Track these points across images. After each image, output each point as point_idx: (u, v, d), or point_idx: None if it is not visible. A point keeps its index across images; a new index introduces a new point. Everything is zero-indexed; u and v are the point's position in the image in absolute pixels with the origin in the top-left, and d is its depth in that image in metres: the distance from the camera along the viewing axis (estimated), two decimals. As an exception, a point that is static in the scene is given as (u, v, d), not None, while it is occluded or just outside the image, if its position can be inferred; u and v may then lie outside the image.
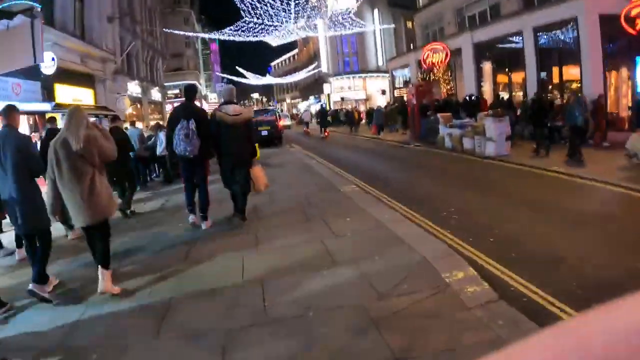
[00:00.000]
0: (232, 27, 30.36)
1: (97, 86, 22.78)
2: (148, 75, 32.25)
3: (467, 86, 23.84)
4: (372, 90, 53.55)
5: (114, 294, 4.68)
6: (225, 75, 69.08)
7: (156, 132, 13.55)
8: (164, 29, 34.75)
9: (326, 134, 28.20)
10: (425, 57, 26.77)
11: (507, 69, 22.00)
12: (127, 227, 7.72)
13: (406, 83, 35.04)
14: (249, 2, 25.38)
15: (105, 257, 4.79)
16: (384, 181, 10.76)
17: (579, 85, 16.66)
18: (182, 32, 36.05)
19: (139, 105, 29.67)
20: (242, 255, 5.59)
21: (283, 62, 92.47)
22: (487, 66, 23.32)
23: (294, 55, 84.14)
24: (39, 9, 9.84)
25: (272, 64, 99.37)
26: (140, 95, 29.02)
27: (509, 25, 20.18)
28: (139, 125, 21.63)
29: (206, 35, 43.27)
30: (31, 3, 10.04)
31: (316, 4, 33.66)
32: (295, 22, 29.59)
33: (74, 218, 4.90)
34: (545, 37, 18.36)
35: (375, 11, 52.06)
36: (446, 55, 24.95)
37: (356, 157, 16.35)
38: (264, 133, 21.16)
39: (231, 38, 34.40)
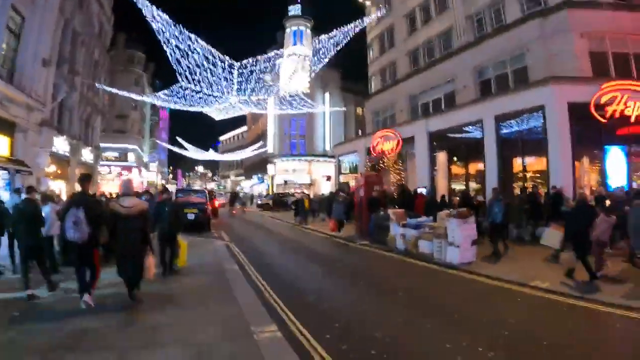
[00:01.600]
0: (166, 91, 27.91)
1: (16, 136, 19.99)
2: (81, 132, 29.49)
3: (419, 177, 23.03)
4: (317, 175, 52.72)
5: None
6: (168, 146, 66.72)
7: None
8: (103, 86, 31.85)
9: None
10: (375, 145, 26.14)
11: (464, 159, 21.44)
12: None
13: (353, 169, 34.40)
14: (186, 65, 22.82)
15: None
16: (315, 306, 7.54)
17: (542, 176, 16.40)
18: (115, 91, 32.77)
19: (68, 165, 26.63)
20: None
21: (232, 139, 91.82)
22: (441, 156, 22.73)
23: (242, 133, 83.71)
24: None
25: (221, 138, 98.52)
26: (67, 154, 26.08)
27: (468, 113, 19.84)
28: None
29: (140, 98, 39.22)
30: None
31: (265, 80, 32.79)
32: (238, 95, 27.87)
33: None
34: (507, 125, 17.89)
35: (327, 95, 52.75)
36: (398, 143, 24.38)
37: (290, 257, 13.36)
38: (190, 217, 19.07)
39: (165, 104, 32.33)
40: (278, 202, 40.55)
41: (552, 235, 10.92)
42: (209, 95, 26.88)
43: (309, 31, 50.63)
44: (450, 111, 21.66)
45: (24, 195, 8.85)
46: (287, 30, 51.64)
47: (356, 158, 32.39)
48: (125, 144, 49.03)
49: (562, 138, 15.19)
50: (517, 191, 16.61)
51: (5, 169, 18.00)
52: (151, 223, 8.42)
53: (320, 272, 10.82)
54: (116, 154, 49.28)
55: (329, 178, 44.16)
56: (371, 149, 26.65)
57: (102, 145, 45.50)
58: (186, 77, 23.66)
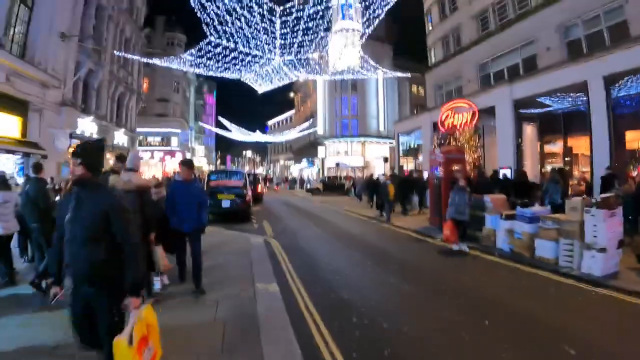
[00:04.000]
0: (193, 51, 21.88)
1: (30, 116, 17.89)
2: (112, 114, 27.44)
3: (501, 155, 19.05)
4: (370, 157, 49.28)
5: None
6: (212, 128, 65.02)
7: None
8: (122, 53, 27.06)
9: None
10: (444, 118, 22.19)
11: (561, 133, 17.20)
12: None
13: (412, 150, 30.57)
14: (213, 11, 17.43)
15: None
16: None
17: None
18: (138, 57, 28.59)
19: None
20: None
21: (280, 123, 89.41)
22: (529, 130, 18.67)
23: (290, 116, 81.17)
24: None
25: (269, 123, 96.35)
26: (97, 136, 24.04)
27: (565, 75, 15.54)
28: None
29: (166, 64, 30.23)
30: None
31: (313, 58, 28.87)
32: (282, 54, 22.72)
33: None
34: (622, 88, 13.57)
35: (379, 72, 48.73)
36: (473, 115, 20.28)
37: (354, 267, 8.67)
38: (225, 204, 15.75)
39: (198, 69, 25.39)
40: (330, 186, 37.44)
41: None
42: (247, 54, 22.09)
43: (358, 4, 46.84)
44: (541, 73, 17.34)
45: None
46: (334, 3, 48.00)
47: (416, 136, 28.72)
48: (168, 128, 47.35)
49: None
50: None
51: (11, 151, 15.82)
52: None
53: (415, 294, 6.83)
54: (159, 139, 47.74)
55: (386, 159, 40.48)
56: (439, 124, 22.70)
57: (144, 130, 44.27)
58: (214, 29, 18.86)
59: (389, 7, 21.37)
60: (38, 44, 17.96)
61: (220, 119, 54.66)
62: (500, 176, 15.19)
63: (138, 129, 40.87)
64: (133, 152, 6.51)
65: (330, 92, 52.00)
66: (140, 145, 45.44)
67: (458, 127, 21.41)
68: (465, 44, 25.98)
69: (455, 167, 12.99)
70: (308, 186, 42.38)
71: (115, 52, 23.68)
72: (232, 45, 20.40)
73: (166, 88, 47.87)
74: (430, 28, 31.57)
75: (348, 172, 48.26)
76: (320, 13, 19.70)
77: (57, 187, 12.49)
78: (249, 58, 22.76)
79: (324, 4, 20.34)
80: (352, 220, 17.36)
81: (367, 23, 23.69)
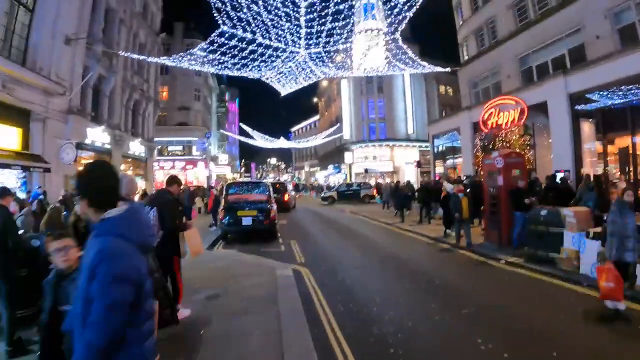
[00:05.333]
0: (204, 44, 18.41)
1: (32, 126, 16.48)
2: (127, 122, 26.04)
3: (556, 157, 16.75)
4: (400, 162, 47.03)
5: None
6: (235, 135, 63.76)
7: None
8: (129, 54, 23.85)
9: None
10: (486, 117, 19.97)
11: (630, 131, 14.62)
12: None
13: (438, 154, 28.30)
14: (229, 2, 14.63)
15: None
16: None
17: None
18: (144, 57, 24.92)
19: (110, 159, 23.21)
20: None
21: (304, 129, 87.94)
22: (586, 128, 16.29)
23: (315, 122, 79.60)
24: None
25: (293, 129, 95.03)
26: (109, 146, 22.62)
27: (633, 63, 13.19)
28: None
29: (177, 64, 24.26)
30: None
31: (336, 60, 26.53)
32: (308, 46, 19.57)
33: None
34: None
35: (406, 73, 46.59)
36: (521, 112, 18.01)
37: (423, 317, 6.16)
38: (246, 222, 13.69)
39: (215, 69, 22.25)
40: (346, 194, 35.26)
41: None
42: (267, 46, 19.15)
43: (380, 2, 44.86)
44: (603, 61, 14.96)
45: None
46: (356, 4, 46.08)
47: (449, 138, 26.55)
48: (189, 137, 46.09)
49: None
50: None
51: (6, 165, 14.33)
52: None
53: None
54: (180, 148, 46.50)
55: (418, 164, 38.18)
56: (480, 123, 20.49)
57: (165, 139, 43.14)
58: (227, 15, 15.83)
59: (414, 9, 19.15)
60: (40, 49, 16.57)
61: (243, 125, 53.33)
62: (558, 180, 12.94)
63: (159, 139, 39.75)
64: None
65: (356, 95, 50.12)
66: (161, 154, 44.38)
67: (503, 126, 19.17)
68: (502, 36, 23.84)
69: (515, 172, 10.93)
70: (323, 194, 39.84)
71: (121, 52, 21.87)
72: (249, 35, 17.60)
73: (186, 96, 46.68)
74: (461, 22, 29.56)
75: (377, 178, 46.19)
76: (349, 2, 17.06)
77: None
78: (270, 52, 19.87)
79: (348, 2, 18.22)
80: (395, 237, 15.07)
81: (392, 24, 21.55)
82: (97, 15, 21.14)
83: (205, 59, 19.71)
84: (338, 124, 53.14)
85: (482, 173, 13.22)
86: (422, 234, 14.86)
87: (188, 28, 48.31)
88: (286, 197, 27.22)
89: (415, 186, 25.74)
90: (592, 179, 12.37)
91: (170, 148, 46.23)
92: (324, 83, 62.06)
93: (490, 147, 20.28)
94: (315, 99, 72.51)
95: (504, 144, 19.51)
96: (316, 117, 78.40)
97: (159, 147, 37.92)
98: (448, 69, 26.63)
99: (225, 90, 70.37)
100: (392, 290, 7.86)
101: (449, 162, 28.18)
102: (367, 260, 10.78)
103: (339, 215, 23.98)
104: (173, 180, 6.51)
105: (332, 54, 23.06)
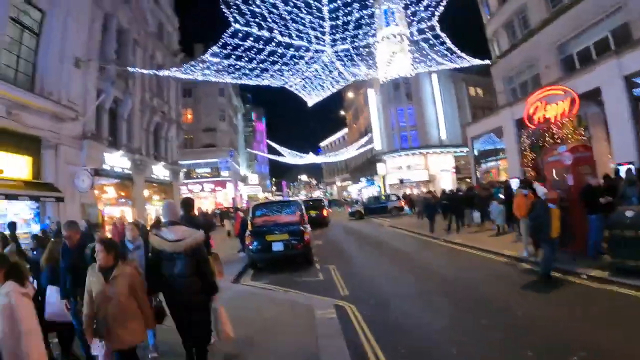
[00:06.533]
0: (215, 47, 16.72)
1: (43, 153, 15.56)
2: (148, 146, 25.14)
3: (617, 149, 14.74)
4: (435, 170, 44.92)
5: None
6: (263, 154, 63.08)
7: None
8: (137, 69, 21.74)
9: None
10: (531, 112, 18.09)
11: None
12: None
13: (479, 156, 26.30)
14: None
15: None
16: None
17: None
18: (158, 73, 22.68)
19: (132, 185, 22.30)
20: None
21: (333, 143, 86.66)
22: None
23: (343, 136, 78.26)
24: None
25: (322, 144, 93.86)
26: (130, 172, 21.69)
27: None
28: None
29: (187, 77, 22.37)
30: None
31: (361, 70, 24.79)
32: (334, 45, 17.82)
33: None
34: None
35: (433, 76, 44.83)
36: (572, 102, 16.07)
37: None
38: (277, 247, 11.92)
39: (232, 79, 20.68)
40: (373, 208, 33.87)
41: None
42: (287, 46, 16.85)
43: (400, 7, 43.36)
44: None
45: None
46: (377, 11, 44.70)
47: (486, 141, 24.66)
48: (216, 158, 45.40)
49: None
50: None
51: (15, 196, 13.34)
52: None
53: None
54: (208, 170, 45.82)
55: (457, 169, 36.15)
56: (525, 119, 18.64)
57: (192, 161, 42.53)
58: (238, 11, 13.99)
59: (439, 12, 17.59)
60: (48, 73, 15.71)
61: (270, 142, 52.43)
62: (623, 174, 10.99)
63: (186, 161, 39.07)
64: (167, 202, 5.24)
65: (384, 104, 48.46)
66: (189, 177, 43.75)
67: (552, 120, 17.23)
68: (535, 25, 22.21)
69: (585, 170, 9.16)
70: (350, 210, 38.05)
71: (130, 68, 20.68)
72: (265, 33, 15.41)
73: (211, 117, 46.22)
74: (489, 17, 27.78)
75: (411, 188, 44.23)
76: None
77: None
78: (291, 51, 17.63)
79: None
80: (447, 254, 13.07)
81: (415, 27, 20.00)
82: (109, 37, 20.38)
83: (220, 67, 18.05)
84: (368, 135, 51.49)
85: (545, 173, 11.27)
86: (474, 246, 13.06)
87: (207, 48, 47.98)
88: (325, 213, 28.23)
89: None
90: (634, 171, 10.51)
91: (198, 170, 45.69)
92: (350, 95, 60.79)
93: (540, 144, 18.39)
94: (342, 112, 71.29)
95: (556, 140, 17.55)
96: (344, 131, 77.12)
97: (184, 169, 37.12)
98: (487, 61, 24.64)
99: (251, 109, 70.04)
100: (464, 328, 6.10)
101: (491, 164, 26.31)
102: (424, 288, 8.82)
103: (377, 231, 22.39)
104: (187, 203, 5.93)
105: (361, 50, 21.17)
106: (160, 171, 26.21)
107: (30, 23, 15.31)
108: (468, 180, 43.32)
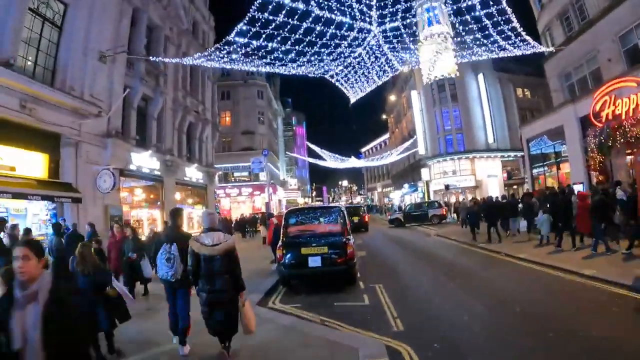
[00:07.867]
0: (239, 26, 13.89)
1: (63, 151, 14.68)
2: (181, 147, 24.19)
3: None
4: (482, 175, 42.29)
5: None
6: (303, 157, 62.02)
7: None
8: (162, 58, 20.19)
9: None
10: (598, 108, 16.00)
11: None
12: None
13: (536, 159, 24.08)
14: None
15: None
16: None
17: None
18: (183, 61, 20.18)
19: (162, 187, 21.37)
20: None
21: (374, 148, 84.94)
22: None
23: (385, 141, 76.45)
24: None
25: (363, 150, 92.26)
26: (159, 173, 20.75)
27: None
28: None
29: (215, 65, 17.61)
30: None
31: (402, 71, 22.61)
32: (381, 24, 15.49)
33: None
34: None
35: (480, 76, 42.37)
36: (649, 94, 13.98)
37: None
38: (314, 262, 9.77)
39: (266, 68, 18.48)
40: (413, 216, 32.41)
41: None
42: (326, 22, 14.42)
43: (443, 5, 41.23)
44: None
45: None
46: (418, 10, 42.71)
47: (539, 144, 22.50)
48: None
49: None
50: None
51: (24, 195, 12.41)
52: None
53: None
54: (246, 173, 44.96)
55: (510, 175, 33.87)
56: (591, 117, 16.59)
57: (229, 165, 41.81)
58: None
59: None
60: (70, 67, 14.84)
61: (311, 145, 51.20)
62: None
63: (223, 164, 38.26)
64: (207, 211, 6.13)
65: (428, 106, 46.24)
66: (226, 181, 43.01)
67: (624, 116, 15.06)
68: (593, 14, 20.16)
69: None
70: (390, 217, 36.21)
71: (151, 57, 19.47)
72: (300, 5, 12.96)
73: (250, 120, 45.61)
74: (540, 9, 25.60)
75: (457, 195, 41.86)
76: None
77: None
78: (332, 30, 14.97)
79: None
80: (515, 272, 10.97)
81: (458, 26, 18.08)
82: (138, 32, 19.50)
83: (249, 49, 16.01)
84: (411, 139, 49.37)
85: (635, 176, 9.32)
86: (544, 263, 11.11)
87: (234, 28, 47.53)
88: (366, 218, 30.70)
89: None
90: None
91: (236, 174, 44.94)
92: (392, 98, 59.00)
93: (609, 144, 16.16)
94: (384, 116, 69.52)
95: (629, 139, 15.28)
96: (386, 136, 75.46)
97: (220, 172, 36.27)
98: (552, 49, 22.26)
99: (291, 113, 69.33)
100: None
101: (548, 168, 24.05)
102: (499, 319, 6.79)
103: (424, 240, 20.75)
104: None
105: (413, 31, 19.01)
106: (193, 173, 25.23)
107: (51, 15, 14.53)
108: (515, 187, 40.69)
